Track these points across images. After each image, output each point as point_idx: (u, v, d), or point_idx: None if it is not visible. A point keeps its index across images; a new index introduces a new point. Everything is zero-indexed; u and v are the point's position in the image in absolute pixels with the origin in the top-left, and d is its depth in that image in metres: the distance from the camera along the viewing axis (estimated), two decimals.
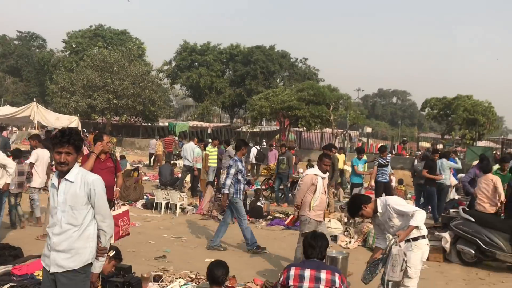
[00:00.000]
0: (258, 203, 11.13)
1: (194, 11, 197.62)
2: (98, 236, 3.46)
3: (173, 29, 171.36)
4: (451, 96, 27.94)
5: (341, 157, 16.63)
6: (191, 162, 13.00)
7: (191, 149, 13.05)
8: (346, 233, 9.22)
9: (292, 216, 7.28)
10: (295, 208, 6.85)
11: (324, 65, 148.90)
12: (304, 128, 29.18)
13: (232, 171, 7.80)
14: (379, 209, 4.99)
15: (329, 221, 9.72)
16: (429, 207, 11.74)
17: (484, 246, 7.59)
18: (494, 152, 22.85)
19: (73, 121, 16.02)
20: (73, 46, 45.87)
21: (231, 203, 7.95)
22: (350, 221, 9.87)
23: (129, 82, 31.54)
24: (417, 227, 4.80)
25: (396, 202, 4.98)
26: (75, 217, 3.33)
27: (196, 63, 43.92)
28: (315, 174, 6.63)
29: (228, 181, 7.79)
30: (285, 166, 12.98)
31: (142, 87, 32.27)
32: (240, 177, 7.88)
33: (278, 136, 31.04)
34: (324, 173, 6.73)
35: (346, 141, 30.55)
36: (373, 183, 12.11)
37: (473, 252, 7.70)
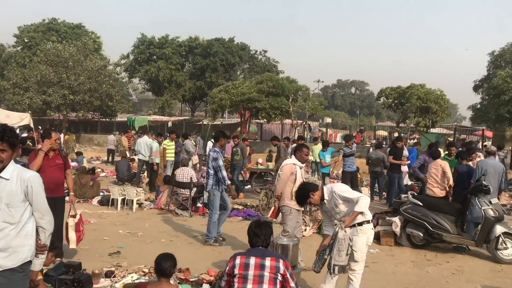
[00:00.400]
0: None
1: (152, 4, 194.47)
2: (38, 233, 3.41)
3: (130, 22, 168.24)
4: (405, 85, 28.78)
5: None
6: (145, 156, 12.87)
7: (144, 143, 12.91)
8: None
9: (273, 208, 7.29)
10: (275, 199, 6.87)
11: (284, 57, 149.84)
12: (265, 120, 29.37)
13: (221, 162, 7.82)
14: (326, 196, 5.12)
15: None
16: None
17: (431, 229, 7.91)
18: (447, 138, 23.71)
19: (24, 118, 15.43)
20: (25, 40, 44.17)
21: (209, 193, 7.95)
22: (306, 209, 10.04)
23: (85, 77, 30.75)
24: (361, 213, 4.95)
25: (341, 189, 5.12)
26: (11, 215, 3.26)
27: (155, 56, 43.28)
28: (294, 164, 6.70)
29: (224, 173, 7.82)
30: (239, 157, 13.05)
31: (99, 81, 31.53)
32: None
33: (239, 128, 31.09)
34: (303, 163, 6.84)
35: (306, 132, 30.96)
36: (335, 172, 12.35)
37: (422, 235, 8.00)
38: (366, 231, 5.05)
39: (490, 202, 7.81)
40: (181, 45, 44.22)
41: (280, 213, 6.79)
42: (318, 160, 15.21)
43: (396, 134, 26.53)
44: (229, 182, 7.81)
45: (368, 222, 5.06)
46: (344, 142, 13.08)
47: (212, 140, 18.75)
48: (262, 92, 27.19)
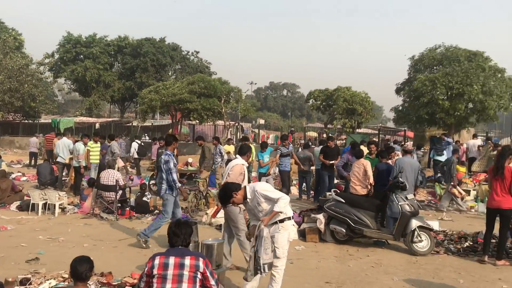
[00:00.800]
0: (144, 198, 10.96)
1: (78, 1, 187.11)
2: None
3: (55, 20, 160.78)
4: (332, 87, 29.82)
5: (230, 148, 17.02)
6: (64, 159, 12.37)
7: (63, 145, 12.40)
8: None
9: (216, 207, 7.25)
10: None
11: (218, 59, 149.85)
12: (197, 121, 29.22)
13: (171, 165, 7.72)
14: (249, 195, 5.20)
15: None
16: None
17: (353, 225, 8.23)
18: (372, 138, 24.78)
19: None
20: None
21: (162, 198, 7.86)
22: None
23: (4, 76, 29.00)
24: (280, 212, 5.10)
25: (263, 188, 5.23)
26: None
27: (82, 56, 41.69)
28: (243, 164, 6.76)
29: (174, 175, 7.74)
30: None
31: (20, 81, 29.84)
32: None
33: (171, 130, 30.69)
34: (247, 162, 6.97)
35: (238, 133, 31.13)
36: (271, 171, 12.50)
37: (344, 230, 8.30)
38: (287, 227, 5.20)
39: (407, 198, 8.26)
40: (109, 44, 42.91)
41: (228, 213, 6.73)
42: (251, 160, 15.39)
43: (324, 135, 27.38)
44: (180, 185, 7.75)
45: (289, 218, 5.22)
46: (280, 142, 13.31)
47: (137, 141, 18.56)
48: (194, 93, 27.06)
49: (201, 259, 3.88)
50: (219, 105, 27.37)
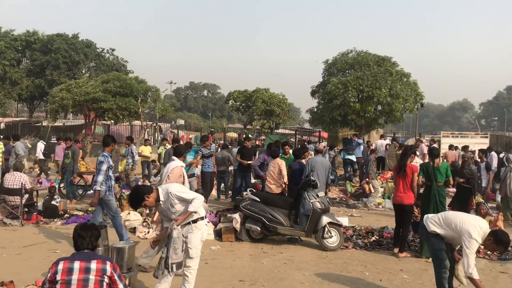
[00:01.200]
0: (53, 202, 10.40)
1: None
2: None
3: None
4: (251, 89, 30.30)
5: (146, 149, 16.69)
6: None
7: None
8: (145, 223, 9.24)
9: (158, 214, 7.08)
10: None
11: (135, 57, 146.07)
12: (112, 121, 28.28)
13: (104, 167, 7.42)
14: (161, 198, 5.13)
15: (129, 213, 9.63)
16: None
17: (268, 223, 8.39)
18: (289, 139, 25.51)
19: None
20: None
21: (103, 201, 7.58)
22: (152, 211, 9.90)
23: None
24: (195, 212, 5.11)
25: (177, 189, 5.19)
26: None
27: None
28: (182, 166, 6.68)
29: (100, 178, 7.42)
30: (70, 160, 12.26)
31: None
32: (110, 173, 7.61)
33: (84, 130, 29.41)
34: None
35: (156, 133, 30.57)
36: (193, 172, 12.39)
37: (259, 229, 8.43)
38: (201, 227, 5.23)
39: (318, 196, 8.59)
40: (16, 39, 40.23)
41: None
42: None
43: (244, 136, 27.76)
44: (99, 189, 7.49)
45: (202, 218, 5.25)
46: (201, 143, 13.26)
47: (43, 142, 17.62)
48: (109, 92, 26.16)
49: (108, 263, 3.77)
50: (135, 104, 26.66)
